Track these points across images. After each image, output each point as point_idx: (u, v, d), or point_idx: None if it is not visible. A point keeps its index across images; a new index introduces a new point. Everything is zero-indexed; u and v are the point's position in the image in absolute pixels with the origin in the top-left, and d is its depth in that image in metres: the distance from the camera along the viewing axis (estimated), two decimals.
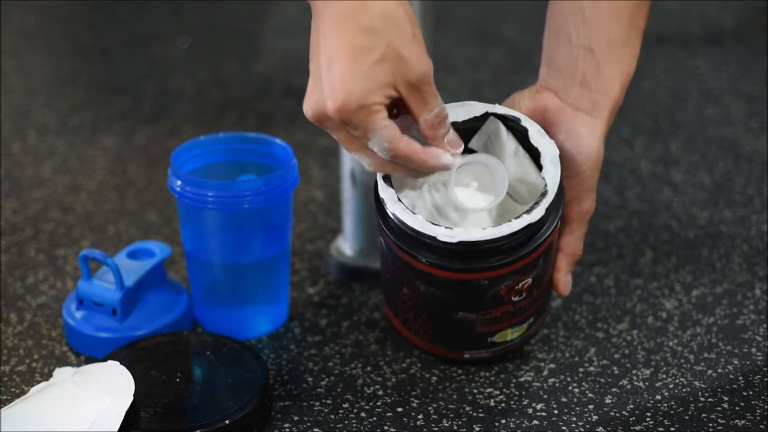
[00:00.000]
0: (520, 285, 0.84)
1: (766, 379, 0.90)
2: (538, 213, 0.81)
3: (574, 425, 0.85)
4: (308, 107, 0.78)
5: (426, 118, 0.79)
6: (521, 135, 0.86)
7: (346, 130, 0.78)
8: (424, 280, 0.84)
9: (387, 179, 0.83)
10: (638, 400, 0.88)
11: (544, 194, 0.82)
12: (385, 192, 0.82)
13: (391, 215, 0.82)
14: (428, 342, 0.90)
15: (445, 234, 0.79)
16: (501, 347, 0.90)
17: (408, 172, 0.82)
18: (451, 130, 0.82)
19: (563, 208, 0.86)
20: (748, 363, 0.93)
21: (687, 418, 0.86)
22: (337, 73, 0.75)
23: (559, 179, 0.83)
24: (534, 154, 0.86)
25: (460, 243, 0.79)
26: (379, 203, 0.84)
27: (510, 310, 0.86)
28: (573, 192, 0.87)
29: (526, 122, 0.86)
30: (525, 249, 0.81)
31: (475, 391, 0.89)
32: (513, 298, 0.85)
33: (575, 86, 0.86)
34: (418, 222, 0.80)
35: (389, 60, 0.75)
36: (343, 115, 0.76)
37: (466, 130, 0.86)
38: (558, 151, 0.84)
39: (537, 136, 0.85)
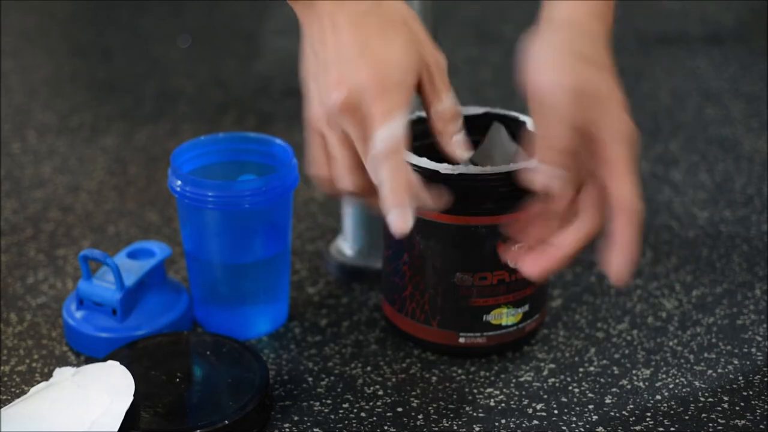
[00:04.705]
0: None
1: (766, 379, 0.90)
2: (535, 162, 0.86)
3: (574, 425, 0.85)
4: (333, 92, 0.72)
5: (437, 110, 0.78)
6: (519, 126, 0.92)
7: (353, 122, 0.74)
8: (424, 234, 0.88)
9: None
10: (638, 400, 0.88)
11: None
12: None
13: None
14: (424, 323, 0.91)
15: (447, 167, 0.85)
16: (496, 333, 0.90)
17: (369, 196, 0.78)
18: (462, 133, 0.81)
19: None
20: (748, 363, 0.93)
21: (687, 418, 0.86)
22: (376, 50, 0.73)
23: None
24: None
25: (461, 175, 0.84)
26: None
27: (506, 280, 0.88)
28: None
29: (524, 117, 0.92)
30: (522, 199, 0.85)
31: (475, 391, 0.89)
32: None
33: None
34: (423, 161, 0.86)
35: (414, 44, 0.75)
36: (380, 88, 0.72)
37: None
38: None
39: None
